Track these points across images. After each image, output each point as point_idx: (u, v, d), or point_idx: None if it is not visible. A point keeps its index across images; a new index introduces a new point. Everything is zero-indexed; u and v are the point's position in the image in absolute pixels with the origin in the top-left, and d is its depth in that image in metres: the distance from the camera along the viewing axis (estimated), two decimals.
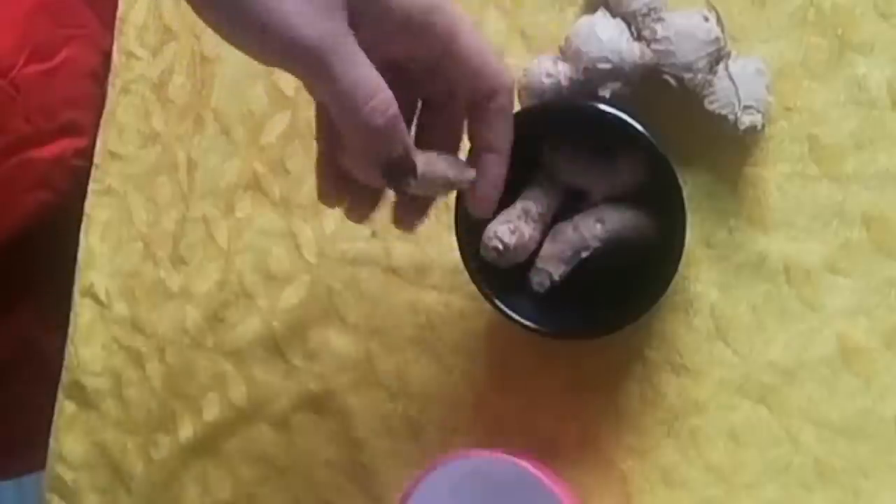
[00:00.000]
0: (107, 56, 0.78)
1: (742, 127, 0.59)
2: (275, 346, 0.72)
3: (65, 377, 0.77)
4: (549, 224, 0.62)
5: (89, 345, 0.77)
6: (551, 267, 0.61)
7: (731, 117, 0.59)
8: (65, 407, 0.77)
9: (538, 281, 0.62)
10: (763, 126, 0.60)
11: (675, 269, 0.59)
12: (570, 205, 0.62)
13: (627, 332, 0.64)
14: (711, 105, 0.60)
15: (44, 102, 0.76)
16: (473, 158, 0.56)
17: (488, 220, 0.60)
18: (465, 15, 0.53)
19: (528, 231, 0.61)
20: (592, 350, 0.65)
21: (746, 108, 0.59)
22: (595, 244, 0.61)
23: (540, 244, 0.62)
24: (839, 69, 0.61)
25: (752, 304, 0.63)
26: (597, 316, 0.62)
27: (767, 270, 0.62)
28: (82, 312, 0.77)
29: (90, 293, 0.77)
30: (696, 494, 0.63)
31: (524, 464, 0.59)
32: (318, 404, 0.71)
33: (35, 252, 0.77)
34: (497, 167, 0.55)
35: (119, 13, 0.77)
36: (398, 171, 0.52)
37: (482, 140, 0.55)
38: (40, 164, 0.76)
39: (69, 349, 0.77)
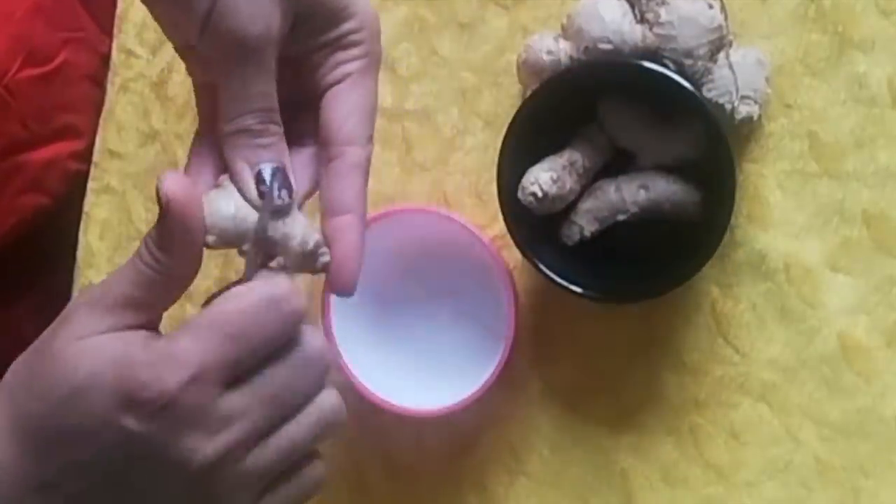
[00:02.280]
0: (104, 59, 0.78)
1: (738, 117, 0.59)
2: None
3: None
4: (592, 179, 0.62)
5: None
6: (585, 222, 0.61)
7: (727, 106, 0.59)
8: None
9: (569, 234, 0.61)
10: (759, 117, 0.60)
11: (710, 255, 0.58)
12: (615, 165, 0.62)
13: (628, 330, 0.64)
14: (709, 93, 0.60)
15: (39, 106, 0.75)
16: (329, 225, 0.51)
17: (531, 165, 0.59)
18: (378, 65, 0.52)
19: (570, 183, 0.60)
20: (593, 348, 0.65)
21: (744, 98, 0.59)
22: (634, 209, 0.60)
23: (578, 197, 0.61)
24: (839, 66, 0.61)
25: (752, 301, 0.62)
26: (614, 283, 0.61)
27: (768, 268, 0.62)
28: None
29: None
30: (696, 492, 0.63)
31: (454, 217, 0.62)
32: None
33: (30, 253, 0.77)
34: (355, 231, 0.50)
35: (118, 11, 0.77)
36: (271, 183, 0.49)
37: (336, 200, 0.51)
38: (33, 168, 0.76)
39: None
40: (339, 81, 0.51)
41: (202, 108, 0.52)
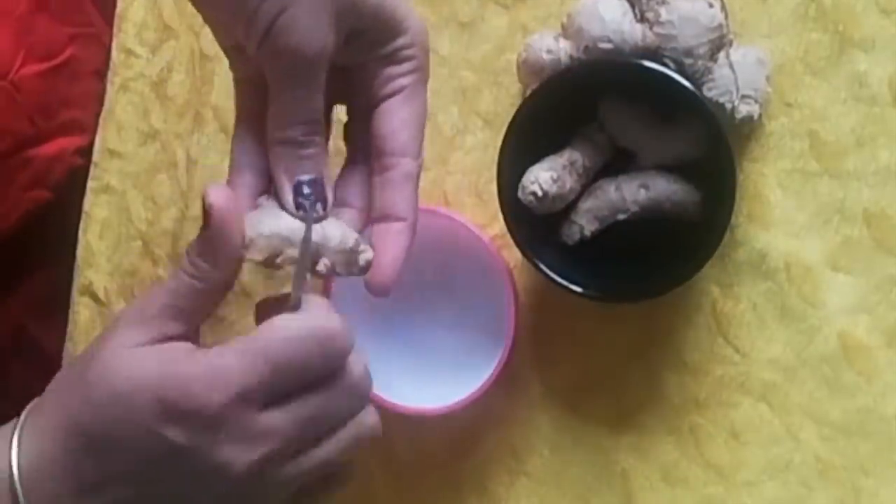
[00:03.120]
0: (110, 54, 0.78)
1: (738, 116, 0.59)
2: None
3: None
4: (592, 179, 0.62)
5: (88, 343, 0.77)
6: (585, 222, 0.61)
7: (728, 106, 0.59)
8: None
9: (569, 233, 0.61)
10: (759, 116, 0.60)
11: (710, 255, 0.58)
12: (615, 164, 0.62)
13: (628, 329, 0.64)
14: (710, 92, 0.59)
15: (46, 102, 0.75)
16: (380, 229, 0.53)
17: (531, 164, 0.60)
18: (428, 78, 0.54)
19: (570, 182, 0.60)
20: (593, 348, 0.65)
21: (744, 97, 0.59)
22: (634, 209, 0.60)
23: (578, 196, 0.61)
24: (840, 65, 0.61)
25: (752, 301, 0.62)
26: (614, 283, 0.61)
27: (768, 268, 0.62)
28: (81, 311, 0.77)
29: (89, 292, 0.77)
30: (696, 492, 0.63)
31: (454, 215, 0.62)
32: None
33: (32, 246, 0.77)
34: (404, 237, 0.53)
35: (118, 10, 0.77)
36: (309, 194, 0.51)
37: (390, 207, 0.53)
38: (38, 163, 0.76)
39: (68, 347, 0.77)
40: (392, 94, 0.53)
41: (242, 103, 0.55)
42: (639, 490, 0.64)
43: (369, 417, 0.51)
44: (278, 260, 0.51)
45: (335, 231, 0.52)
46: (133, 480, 0.47)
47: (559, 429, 0.66)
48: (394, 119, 0.53)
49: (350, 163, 0.56)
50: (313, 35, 0.49)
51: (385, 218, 0.53)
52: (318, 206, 0.51)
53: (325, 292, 0.64)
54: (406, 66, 0.52)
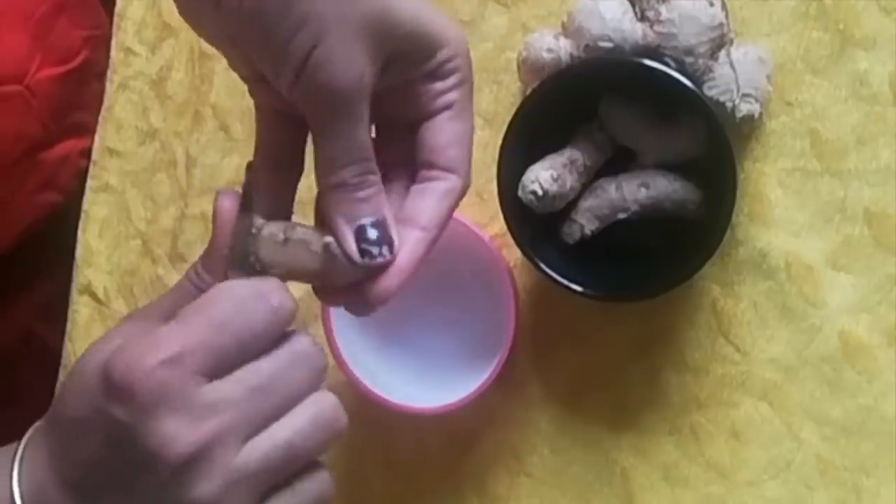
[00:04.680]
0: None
1: (739, 115, 0.59)
2: None
3: (63, 375, 0.77)
4: (592, 178, 0.61)
5: (88, 342, 0.76)
6: (585, 221, 0.61)
7: (728, 104, 0.59)
8: None
9: (569, 232, 0.61)
10: (760, 115, 0.60)
11: (711, 254, 0.58)
12: (616, 163, 0.62)
13: (628, 329, 0.64)
14: (710, 91, 0.59)
15: (58, 106, 0.76)
16: (401, 233, 0.50)
17: (531, 163, 0.59)
18: (473, 87, 0.50)
19: (571, 181, 0.60)
20: (594, 347, 0.65)
21: (745, 96, 0.59)
22: (635, 208, 0.60)
23: (578, 195, 0.61)
24: (841, 64, 0.61)
25: (753, 300, 0.62)
26: (615, 282, 0.61)
27: (769, 267, 0.62)
28: (80, 310, 0.77)
29: (88, 291, 0.77)
30: (697, 492, 0.63)
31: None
32: None
33: (40, 250, 0.77)
34: (422, 248, 0.49)
35: (117, 9, 0.77)
36: (374, 239, 0.48)
37: (419, 215, 0.49)
38: (48, 166, 0.76)
39: (67, 347, 0.77)
40: (442, 110, 0.49)
41: (265, 136, 0.51)
42: (639, 490, 0.64)
43: (326, 398, 0.47)
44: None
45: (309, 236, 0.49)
46: (100, 470, 0.45)
47: (559, 428, 0.66)
48: (443, 135, 0.50)
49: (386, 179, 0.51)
50: (351, 68, 0.45)
51: (406, 223, 0.49)
52: (385, 250, 0.48)
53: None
54: (452, 80, 0.49)
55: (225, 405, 0.44)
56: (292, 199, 0.52)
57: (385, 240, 0.48)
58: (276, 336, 0.46)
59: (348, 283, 0.49)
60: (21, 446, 0.48)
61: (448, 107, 0.50)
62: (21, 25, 0.73)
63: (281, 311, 0.46)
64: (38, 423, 0.49)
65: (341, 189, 0.48)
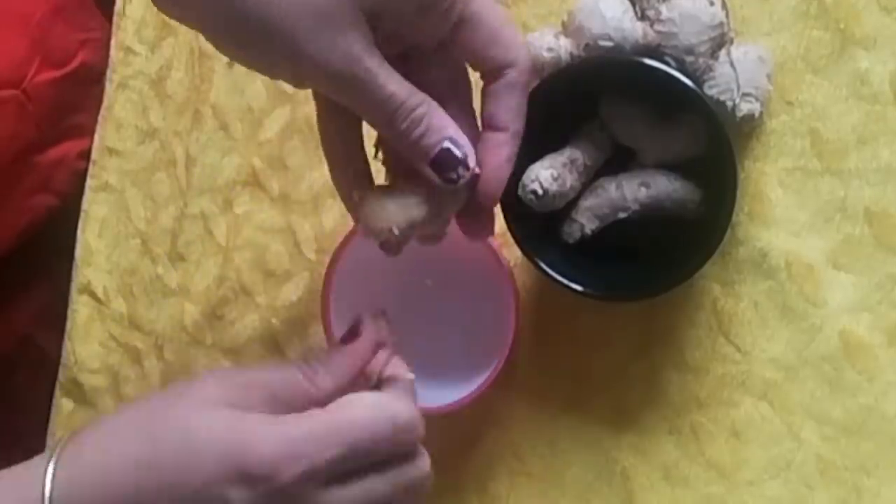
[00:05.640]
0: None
1: (739, 114, 0.59)
2: (274, 344, 0.72)
3: (62, 375, 0.77)
4: (593, 177, 0.61)
5: (87, 342, 0.76)
6: (586, 220, 0.61)
7: (729, 104, 0.59)
8: (62, 405, 0.77)
9: (569, 232, 0.61)
10: (760, 115, 0.60)
11: (711, 253, 0.58)
12: (616, 163, 0.62)
13: (628, 328, 0.64)
14: (711, 90, 0.59)
15: (54, 108, 0.75)
16: (482, 139, 0.54)
17: (531, 162, 0.59)
18: None
19: (571, 181, 0.60)
20: (594, 346, 0.65)
21: (745, 95, 0.59)
22: (635, 207, 0.60)
23: (579, 195, 0.61)
24: (841, 63, 0.61)
25: (753, 299, 0.62)
26: (615, 281, 0.61)
27: (769, 266, 0.62)
28: (80, 310, 0.77)
29: (88, 290, 0.77)
30: (697, 492, 0.63)
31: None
32: None
33: (37, 252, 0.77)
34: (505, 147, 0.53)
35: (117, 8, 0.77)
36: (446, 165, 0.51)
37: (491, 117, 0.53)
38: (44, 168, 0.76)
39: (67, 346, 0.77)
40: (458, 26, 0.51)
41: (321, 100, 0.55)
42: (639, 489, 0.64)
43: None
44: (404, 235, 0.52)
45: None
46: None
47: (560, 428, 0.66)
48: (475, 45, 0.52)
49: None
50: (331, 51, 0.48)
51: (488, 127, 0.53)
52: (461, 170, 0.51)
53: (325, 292, 0.64)
54: (446, 2, 0.51)
55: None
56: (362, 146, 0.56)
57: (461, 159, 0.51)
58: (401, 453, 0.51)
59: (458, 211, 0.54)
60: (57, 450, 0.49)
61: (461, 20, 0.51)
62: (19, 29, 0.73)
63: (410, 444, 0.51)
64: (69, 449, 0.50)
65: (399, 140, 0.51)
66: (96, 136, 0.77)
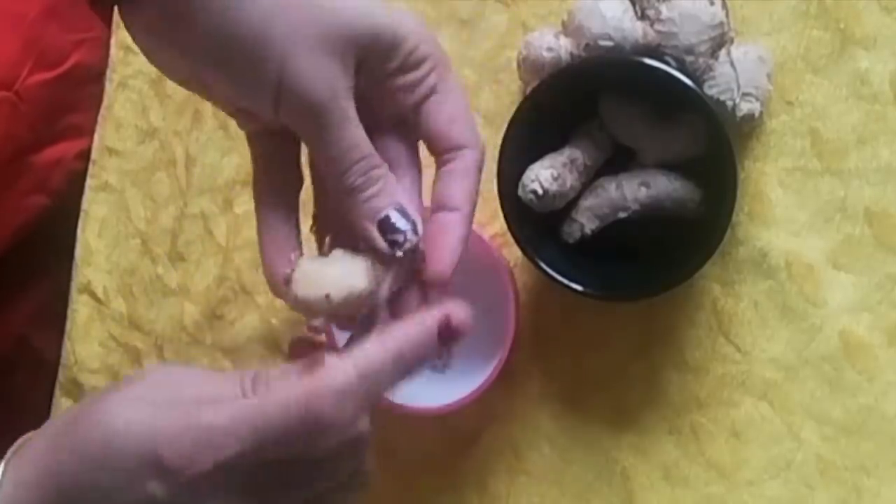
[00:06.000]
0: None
1: (739, 114, 0.59)
2: (274, 343, 0.72)
3: (62, 375, 0.77)
4: (593, 177, 0.61)
5: (87, 342, 0.76)
6: (586, 220, 0.61)
7: (729, 103, 0.59)
8: (62, 405, 0.77)
9: (569, 232, 0.61)
10: (760, 114, 0.60)
11: (711, 253, 0.58)
12: (616, 162, 0.62)
13: (628, 328, 0.64)
14: (711, 90, 0.59)
15: (48, 109, 0.75)
16: (434, 219, 0.52)
17: (531, 162, 0.59)
18: (450, 65, 0.52)
19: (571, 180, 0.60)
20: (594, 346, 0.65)
21: (745, 95, 0.59)
22: (635, 207, 0.60)
23: (579, 194, 0.61)
24: (841, 63, 0.61)
25: (753, 299, 0.62)
26: (615, 281, 0.61)
27: (769, 266, 0.62)
28: (80, 309, 0.77)
29: (87, 290, 0.77)
30: (697, 491, 0.63)
31: None
32: None
33: (33, 253, 0.77)
34: (459, 228, 0.51)
35: (116, 8, 0.77)
36: (393, 227, 0.50)
37: (446, 198, 0.52)
38: (39, 168, 0.76)
39: (66, 346, 0.77)
40: (427, 97, 0.51)
41: (260, 155, 0.54)
42: (639, 489, 0.64)
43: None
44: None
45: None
46: None
47: (559, 427, 0.66)
48: (440, 117, 0.51)
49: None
50: (320, 78, 0.48)
51: (439, 209, 0.52)
52: (410, 234, 0.50)
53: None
54: (426, 67, 0.51)
55: (260, 498, 0.48)
56: (297, 212, 0.53)
57: (408, 224, 0.50)
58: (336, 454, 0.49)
59: (397, 290, 0.51)
60: (9, 454, 0.48)
61: (432, 91, 0.51)
62: (11, 30, 0.72)
63: (327, 435, 0.48)
64: (31, 435, 0.49)
65: (351, 194, 0.50)
66: (96, 136, 0.77)
